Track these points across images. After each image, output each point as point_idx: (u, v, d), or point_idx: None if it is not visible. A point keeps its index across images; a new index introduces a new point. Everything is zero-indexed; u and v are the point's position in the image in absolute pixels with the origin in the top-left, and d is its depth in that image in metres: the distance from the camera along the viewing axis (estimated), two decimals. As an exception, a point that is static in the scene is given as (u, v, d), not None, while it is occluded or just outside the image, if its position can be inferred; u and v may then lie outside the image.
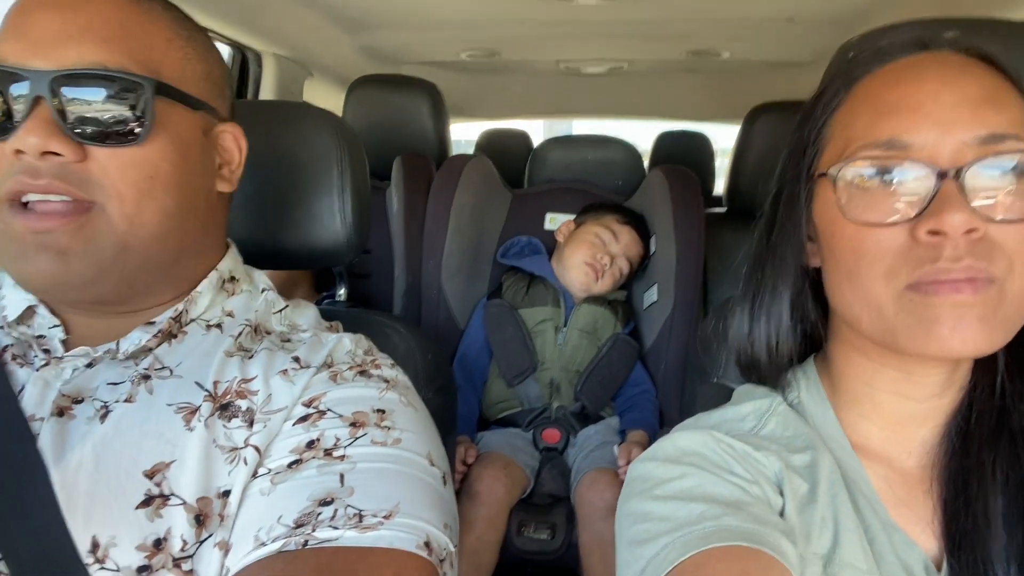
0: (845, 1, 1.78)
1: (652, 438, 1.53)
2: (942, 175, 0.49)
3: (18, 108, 0.56)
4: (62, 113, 0.56)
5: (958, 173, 0.49)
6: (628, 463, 1.43)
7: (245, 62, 2.04)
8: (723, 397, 0.69)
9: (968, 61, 0.54)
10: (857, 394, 0.60)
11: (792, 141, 0.62)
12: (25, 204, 0.57)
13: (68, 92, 0.57)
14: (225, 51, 1.98)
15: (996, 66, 0.54)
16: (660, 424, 1.60)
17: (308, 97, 2.26)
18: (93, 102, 0.57)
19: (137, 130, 0.59)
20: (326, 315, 0.80)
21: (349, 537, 0.51)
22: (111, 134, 0.58)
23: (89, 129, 0.57)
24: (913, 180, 0.50)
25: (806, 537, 0.54)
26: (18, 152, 0.56)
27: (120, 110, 0.58)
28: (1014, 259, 0.50)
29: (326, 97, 2.39)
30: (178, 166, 0.62)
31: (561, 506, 1.48)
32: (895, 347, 0.53)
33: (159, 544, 0.54)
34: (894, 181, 0.51)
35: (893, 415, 0.59)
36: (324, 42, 2.14)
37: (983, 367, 0.58)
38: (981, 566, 0.52)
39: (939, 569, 0.54)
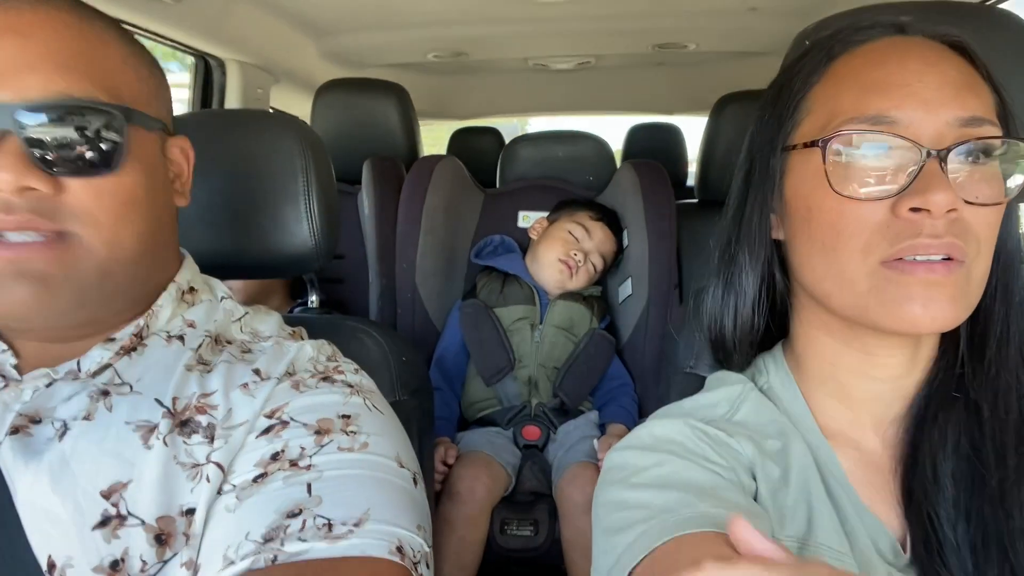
0: (805, -11, 1.80)
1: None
2: (928, 153, 0.50)
3: None
4: (32, 146, 0.54)
5: (943, 153, 0.50)
6: (608, 456, 1.44)
7: (209, 70, 2.01)
8: (696, 386, 0.70)
9: (943, 47, 0.55)
10: (823, 375, 0.61)
11: (763, 115, 0.61)
12: None
13: (36, 125, 0.54)
14: (187, 60, 1.95)
15: (967, 55, 0.55)
16: (639, 416, 1.61)
17: (276, 103, 2.24)
18: (64, 134, 0.55)
19: (111, 160, 0.58)
20: (296, 322, 0.79)
21: (319, 549, 0.50)
22: (85, 165, 0.56)
23: (62, 162, 0.55)
24: (899, 156, 0.51)
25: (780, 521, 0.55)
26: None
27: (92, 140, 0.56)
28: (982, 242, 0.51)
29: (294, 103, 2.37)
30: (148, 189, 0.62)
31: (543, 502, 1.48)
32: (865, 322, 0.54)
33: (116, 566, 0.53)
34: (879, 156, 0.51)
35: (858, 396, 0.60)
36: (288, 48, 2.13)
37: (947, 343, 0.59)
38: (928, 524, 0.53)
39: (905, 549, 0.55)
